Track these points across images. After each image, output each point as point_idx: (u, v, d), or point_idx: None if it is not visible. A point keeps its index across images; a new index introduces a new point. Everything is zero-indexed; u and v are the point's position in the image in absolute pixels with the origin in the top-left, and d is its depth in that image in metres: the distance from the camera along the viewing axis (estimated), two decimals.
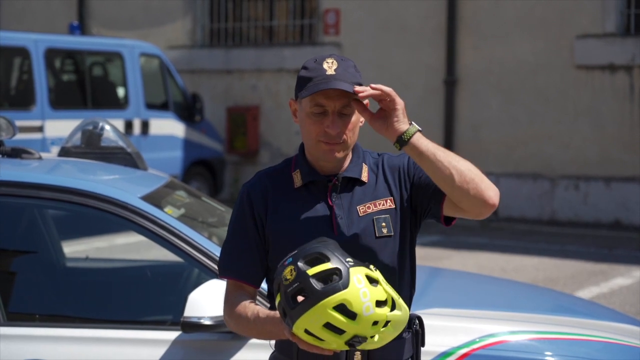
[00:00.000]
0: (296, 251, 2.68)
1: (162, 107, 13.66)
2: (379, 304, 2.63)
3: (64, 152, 4.76)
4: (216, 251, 3.77)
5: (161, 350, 3.67)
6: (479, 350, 3.75)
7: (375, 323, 2.62)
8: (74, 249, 9.48)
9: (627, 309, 8.39)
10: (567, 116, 13.54)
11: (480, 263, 10.66)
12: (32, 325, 3.86)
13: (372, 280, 2.65)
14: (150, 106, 13.37)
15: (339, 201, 2.96)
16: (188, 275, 4.66)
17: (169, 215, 3.91)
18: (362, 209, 2.95)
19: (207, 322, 3.52)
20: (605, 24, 13.28)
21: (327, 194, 2.96)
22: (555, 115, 13.61)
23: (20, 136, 4.90)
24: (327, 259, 2.63)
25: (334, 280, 2.60)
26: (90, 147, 4.74)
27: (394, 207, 2.97)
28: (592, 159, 13.40)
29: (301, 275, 2.61)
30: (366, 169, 3.01)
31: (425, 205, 2.98)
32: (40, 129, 11.75)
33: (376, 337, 2.66)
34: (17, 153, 4.40)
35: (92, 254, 9.78)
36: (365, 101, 2.92)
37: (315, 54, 12.60)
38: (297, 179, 2.98)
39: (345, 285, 2.59)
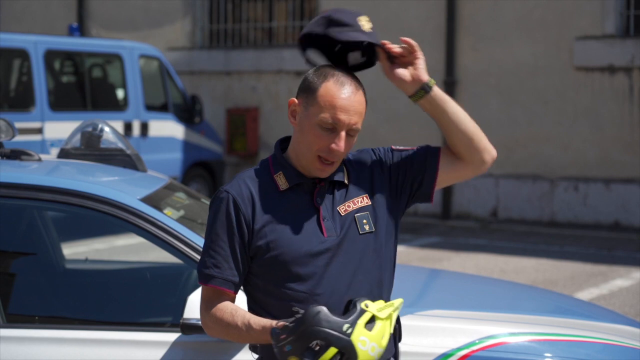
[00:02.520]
0: (292, 337, 2.65)
1: (161, 108, 13.66)
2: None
3: (64, 154, 4.76)
4: None
5: (161, 352, 3.67)
6: (479, 352, 3.75)
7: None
8: (74, 250, 9.48)
9: (626, 311, 8.39)
10: (566, 118, 13.54)
11: (479, 264, 10.66)
12: (31, 327, 3.85)
13: (370, 321, 2.70)
14: (150, 108, 13.37)
15: (324, 203, 2.95)
16: (187, 276, 4.66)
17: (168, 217, 3.90)
18: (343, 208, 2.96)
19: None
20: (604, 26, 13.29)
21: (313, 196, 2.95)
22: (555, 117, 13.61)
23: (19, 138, 4.90)
24: (330, 342, 2.65)
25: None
26: (89, 148, 4.74)
27: (370, 203, 2.99)
28: (592, 161, 13.40)
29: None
30: (346, 171, 3.02)
31: (416, 183, 3.04)
32: (39, 131, 11.75)
33: None
34: (16, 155, 4.39)
35: (92, 255, 9.79)
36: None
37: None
38: (282, 182, 2.95)
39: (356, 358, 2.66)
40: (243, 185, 2.94)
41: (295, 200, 2.94)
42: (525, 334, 3.87)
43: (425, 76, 2.98)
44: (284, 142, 3.05)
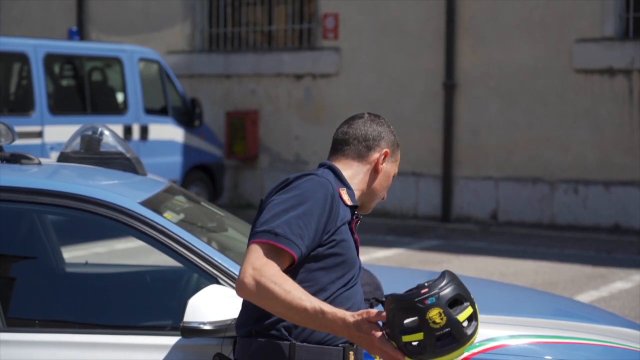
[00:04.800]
0: (436, 290, 2.76)
1: (161, 112, 13.66)
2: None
3: (63, 158, 4.76)
4: (215, 256, 3.77)
5: (161, 356, 3.67)
6: (479, 355, 3.75)
7: None
8: (74, 254, 9.47)
9: (626, 313, 8.39)
10: (566, 120, 13.55)
11: (479, 267, 10.66)
12: (31, 330, 3.86)
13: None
14: (150, 111, 13.37)
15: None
16: (187, 280, 4.66)
17: (168, 221, 3.90)
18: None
19: (207, 327, 3.52)
20: (604, 28, 13.29)
21: (353, 223, 3.17)
22: (555, 119, 13.61)
23: (19, 142, 4.90)
24: (465, 300, 2.80)
25: (472, 320, 2.80)
26: (89, 152, 4.74)
27: None
28: (592, 163, 13.40)
29: (453, 321, 2.74)
30: None
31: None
32: (39, 135, 11.75)
33: None
34: (16, 159, 4.39)
35: (92, 259, 9.76)
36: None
37: (314, 59, 12.63)
38: (347, 198, 3.14)
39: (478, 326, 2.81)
40: (332, 182, 3.10)
41: (350, 219, 3.15)
42: (526, 337, 3.88)
43: None
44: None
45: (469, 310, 2.77)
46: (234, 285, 3.67)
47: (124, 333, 3.80)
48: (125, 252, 10.47)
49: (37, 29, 17.72)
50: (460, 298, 2.78)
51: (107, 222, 3.89)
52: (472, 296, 2.82)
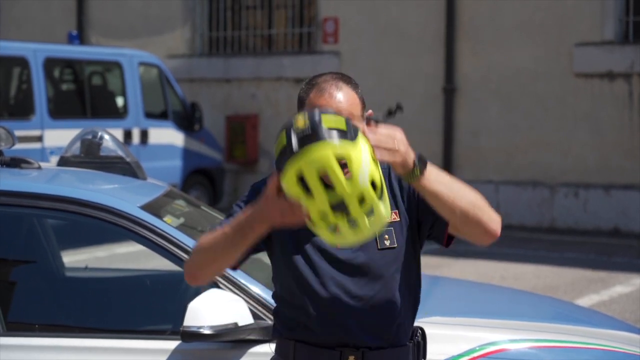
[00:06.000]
0: (316, 109, 2.67)
1: (161, 116, 13.67)
2: (372, 184, 2.59)
3: (63, 162, 4.76)
4: None
5: None
6: (480, 359, 3.75)
7: (362, 201, 2.57)
8: (74, 258, 9.47)
9: (626, 317, 8.39)
10: (566, 123, 13.55)
11: (479, 271, 10.65)
12: (31, 335, 3.86)
13: (374, 161, 2.61)
14: (150, 115, 13.38)
15: None
16: (187, 284, 4.65)
17: (168, 225, 3.91)
18: None
19: (207, 332, 3.52)
20: (604, 32, 13.30)
21: None
22: (555, 123, 13.62)
23: (19, 146, 4.90)
24: (344, 119, 2.62)
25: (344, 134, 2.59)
26: (89, 156, 4.74)
27: (398, 219, 2.92)
28: (592, 166, 13.40)
29: (315, 124, 2.59)
30: None
31: (428, 226, 2.93)
32: (39, 139, 11.75)
33: (355, 223, 2.60)
34: (16, 163, 4.39)
35: (92, 263, 9.78)
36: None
37: (314, 62, 12.60)
38: None
39: (353, 140, 2.57)
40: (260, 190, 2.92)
41: None
42: (526, 341, 3.87)
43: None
44: None
45: (338, 122, 2.58)
46: (233, 289, 3.68)
47: (124, 337, 3.81)
48: (125, 256, 10.47)
49: (37, 32, 17.73)
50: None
51: (107, 226, 3.89)
52: (358, 131, 2.60)
